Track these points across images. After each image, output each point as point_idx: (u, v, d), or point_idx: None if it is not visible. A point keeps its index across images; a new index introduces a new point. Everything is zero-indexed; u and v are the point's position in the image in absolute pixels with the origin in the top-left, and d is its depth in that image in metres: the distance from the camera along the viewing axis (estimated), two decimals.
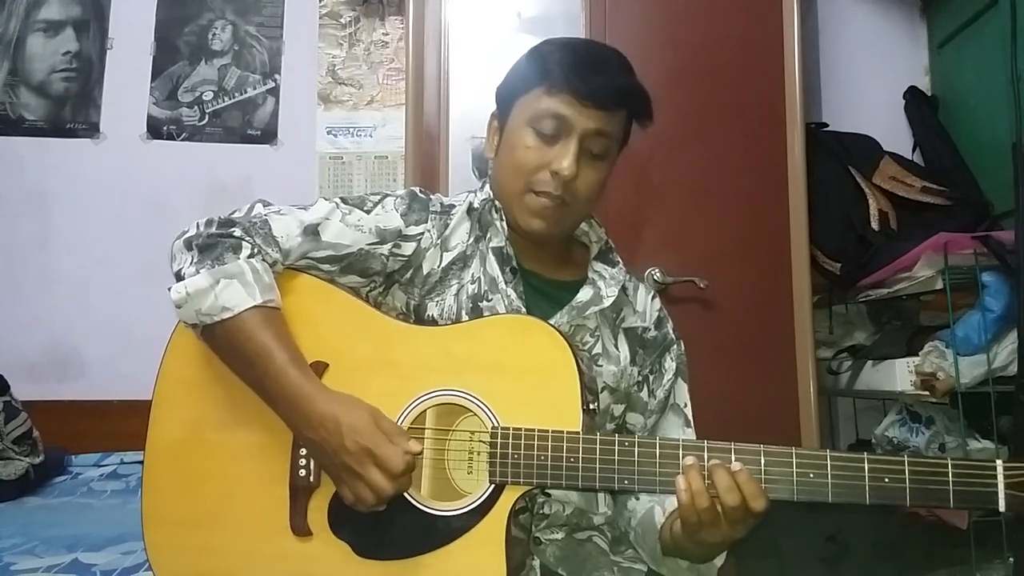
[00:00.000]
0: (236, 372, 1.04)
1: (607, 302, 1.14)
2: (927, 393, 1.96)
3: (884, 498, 0.89)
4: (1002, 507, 0.87)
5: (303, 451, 1.02)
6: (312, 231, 1.08)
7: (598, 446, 0.95)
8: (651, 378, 1.20)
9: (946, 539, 1.95)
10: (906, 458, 0.89)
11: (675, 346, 1.23)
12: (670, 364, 1.21)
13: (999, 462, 0.88)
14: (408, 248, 1.12)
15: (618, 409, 1.17)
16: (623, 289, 1.19)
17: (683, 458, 0.93)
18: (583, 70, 1.08)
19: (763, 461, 0.92)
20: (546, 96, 1.08)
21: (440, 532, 0.97)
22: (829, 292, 2.40)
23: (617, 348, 1.17)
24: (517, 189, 1.11)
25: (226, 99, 2.89)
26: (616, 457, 0.95)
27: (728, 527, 0.92)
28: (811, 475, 0.91)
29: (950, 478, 0.88)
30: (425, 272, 1.13)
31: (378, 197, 1.15)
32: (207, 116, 2.88)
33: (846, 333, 2.46)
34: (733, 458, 0.92)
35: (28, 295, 2.75)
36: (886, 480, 0.89)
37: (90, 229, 2.78)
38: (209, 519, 1.04)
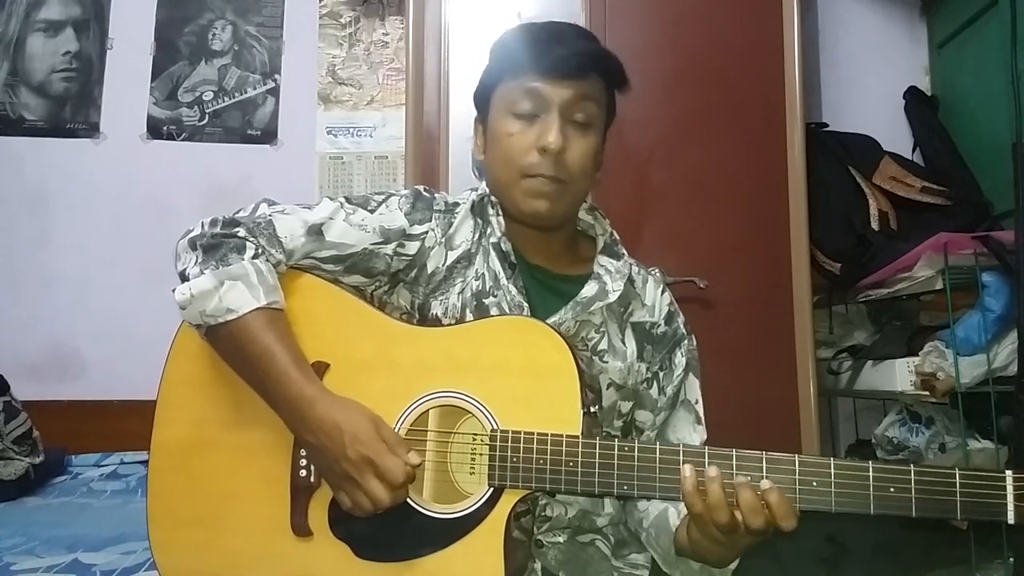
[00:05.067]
0: (239, 373, 1.04)
1: (613, 297, 1.13)
2: (927, 393, 1.96)
3: (889, 508, 0.86)
4: (1011, 519, 0.84)
5: (303, 451, 1.02)
6: (316, 231, 1.08)
7: (597, 450, 0.94)
8: (661, 375, 1.19)
9: (946, 539, 1.95)
10: (912, 467, 0.87)
11: (686, 341, 1.21)
12: (680, 359, 1.19)
13: (1009, 472, 0.85)
14: (412, 247, 1.12)
15: (625, 406, 1.16)
16: (630, 282, 1.18)
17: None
18: (543, 45, 1.10)
19: (764, 468, 0.91)
20: (514, 81, 1.10)
21: (439, 534, 0.97)
22: (829, 292, 2.40)
23: (624, 343, 1.16)
24: (511, 177, 1.11)
25: (226, 99, 2.89)
26: (616, 462, 0.94)
27: (748, 536, 0.90)
28: (814, 483, 0.89)
29: (957, 488, 0.85)
30: (430, 271, 1.13)
31: (382, 196, 1.14)
32: (207, 116, 2.88)
33: (846, 333, 2.46)
34: (735, 464, 0.91)
35: (28, 295, 2.75)
36: (891, 490, 0.87)
37: (90, 229, 2.78)
38: (213, 518, 1.04)
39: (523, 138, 1.09)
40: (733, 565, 1.01)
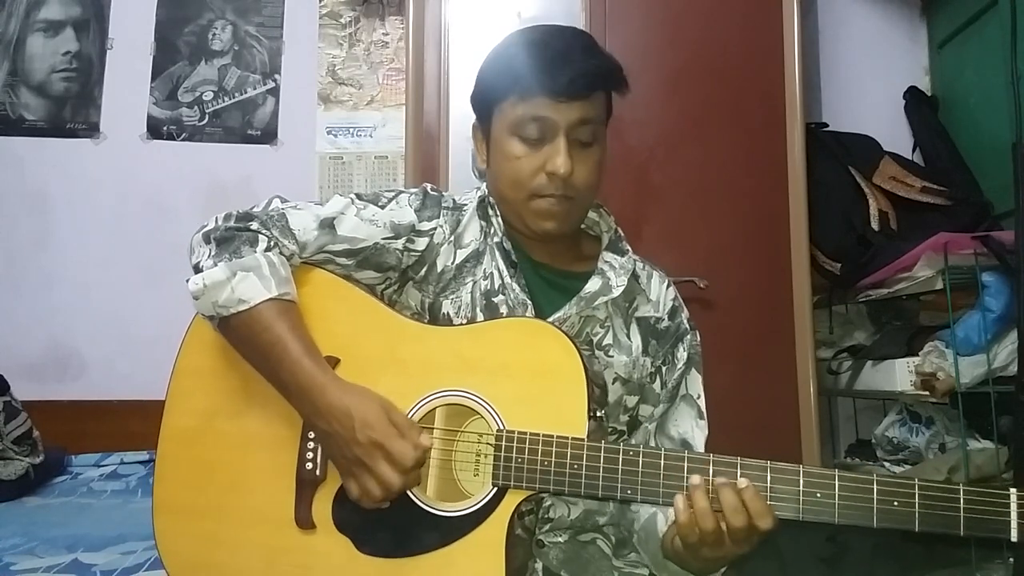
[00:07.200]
0: (251, 363, 1.05)
1: (616, 292, 1.14)
2: (927, 393, 1.96)
3: (892, 522, 0.86)
4: (1014, 537, 0.84)
5: (311, 444, 1.02)
6: (328, 224, 1.09)
7: (602, 454, 0.94)
8: (664, 369, 1.19)
9: (946, 539, 1.95)
10: (916, 481, 0.87)
11: (689, 335, 1.21)
12: (682, 354, 1.20)
13: (1013, 491, 0.85)
14: (421, 243, 1.13)
15: (631, 400, 1.17)
16: (635, 277, 1.18)
17: (689, 477, 0.91)
18: (550, 66, 1.07)
19: (769, 478, 0.90)
20: (521, 103, 1.08)
21: (441, 532, 0.97)
22: (829, 292, 2.40)
23: (629, 338, 1.16)
24: (520, 198, 1.11)
25: (226, 99, 2.89)
26: (620, 467, 0.94)
27: (732, 545, 0.91)
28: (818, 494, 0.89)
29: (961, 505, 0.85)
30: (439, 269, 1.13)
31: (392, 193, 1.16)
32: (207, 116, 2.88)
33: (846, 333, 2.46)
34: (739, 473, 0.91)
35: (28, 295, 2.75)
36: (895, 503, 0.87)
37: (90, 229, 2.78)
38: (217, 509, 1.05)
39: (530, 161, 1.09)
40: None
